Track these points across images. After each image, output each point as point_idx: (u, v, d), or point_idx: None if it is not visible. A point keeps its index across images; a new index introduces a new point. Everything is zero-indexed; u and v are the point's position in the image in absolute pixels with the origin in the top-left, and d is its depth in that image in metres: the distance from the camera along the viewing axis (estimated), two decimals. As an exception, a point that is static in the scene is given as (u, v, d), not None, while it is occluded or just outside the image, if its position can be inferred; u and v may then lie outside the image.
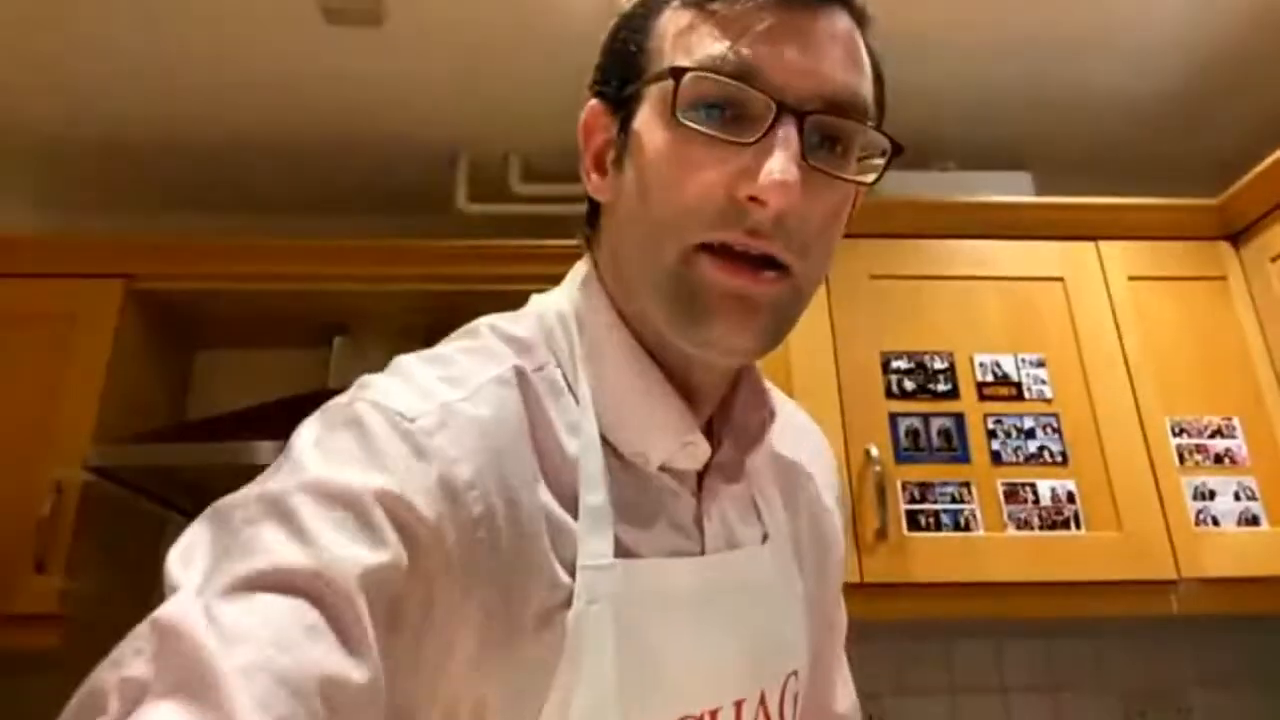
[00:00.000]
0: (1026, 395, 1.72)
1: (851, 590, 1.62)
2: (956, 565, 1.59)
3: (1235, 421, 1.72)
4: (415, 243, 1.93)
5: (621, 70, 0.53)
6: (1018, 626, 1.81)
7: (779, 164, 0.46)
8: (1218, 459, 1.69)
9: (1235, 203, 1.82)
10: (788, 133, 0.46)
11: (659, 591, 0.53)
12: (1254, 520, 1.64)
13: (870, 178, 0.52)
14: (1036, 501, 1.64)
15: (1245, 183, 1.79)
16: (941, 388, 1.73)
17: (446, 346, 0.54)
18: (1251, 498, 1.66)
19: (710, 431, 0.59)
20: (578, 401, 0.53)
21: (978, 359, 1.75)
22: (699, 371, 0.56)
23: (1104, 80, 1.91)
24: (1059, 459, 1.68)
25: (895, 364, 1.74)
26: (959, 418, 1.70)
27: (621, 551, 0.52)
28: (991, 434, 1.69)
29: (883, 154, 0.52)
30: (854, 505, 1.62)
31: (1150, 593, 1.59)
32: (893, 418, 1.70)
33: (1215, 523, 1.64)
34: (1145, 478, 1.66)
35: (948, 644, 1.85)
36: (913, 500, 1.64)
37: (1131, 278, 1.82)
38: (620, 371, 0.54)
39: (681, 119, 0.48)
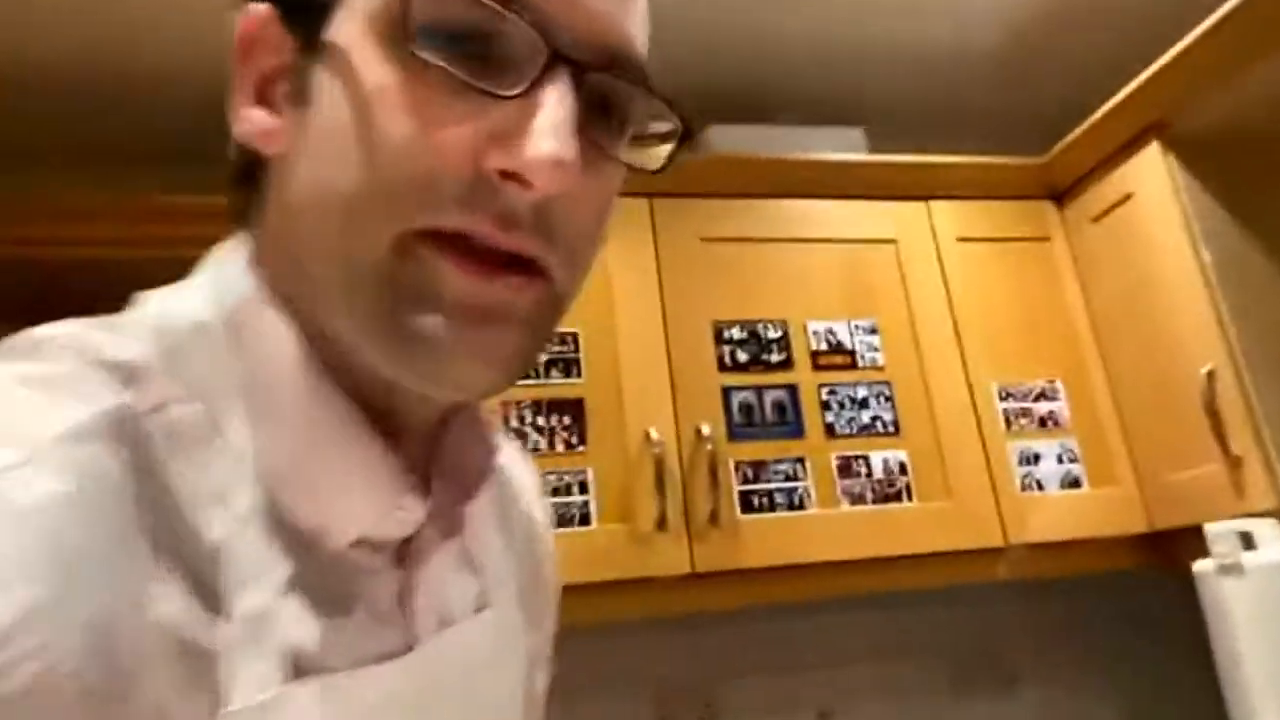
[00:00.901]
0: (860, 363, 1.65)
1: (683, 582, 1.53)
2: (790, 547, 1.50)
3: (1058, 384, 1.72)
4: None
5: None
6: (851, 601, 1.77)
7: (554, 133, 0.33)
8: (1041, 422, 1.69)
9: (1059, 162, 1.81)
10: (563, 90, 0.34)
11: (359, 717, 0.38)
12: (1075, 483, 1.65)
13: (655, 165, 0.41)
14: (869, 474, 1.58)
15: (1068, 142, 1.77)
16: (775, 358, 1.62)
17: None
18: (1073, 460, 1.67)
19: (418, 477, 0.42)
20: (224, 455, 0.36)
21: (811, 326, 1.66)
22: (408, 404, 0.41)
23: (935, 35, 1.84)
24: (891, 429, 1.62)
25: (728, 334, 1.62)
26: (793, 389, 1.61)
27: (301, 670, 0.36)
28: (825, 405, 1.61)
29: (663, 137, 0.40)
30: (685, 489, 1.49)
31: (979, 561, 1.57)
32: (726, 392, 1.58)
33: (1040, 487, 1.64)
34: (973, 445, 1.63)
35: (782, 624, 1.79)
36: (746, 480, 1.53)
37: (960, 239, 1.78)
38: (297, 410, 0.37)
39: (415, 49, 0.33)
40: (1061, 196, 1.84)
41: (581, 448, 1.49)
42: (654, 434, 1.49)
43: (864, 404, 1.62)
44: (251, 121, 0.38)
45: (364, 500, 0.38)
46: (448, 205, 0.34)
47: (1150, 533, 1.64)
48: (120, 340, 0.35)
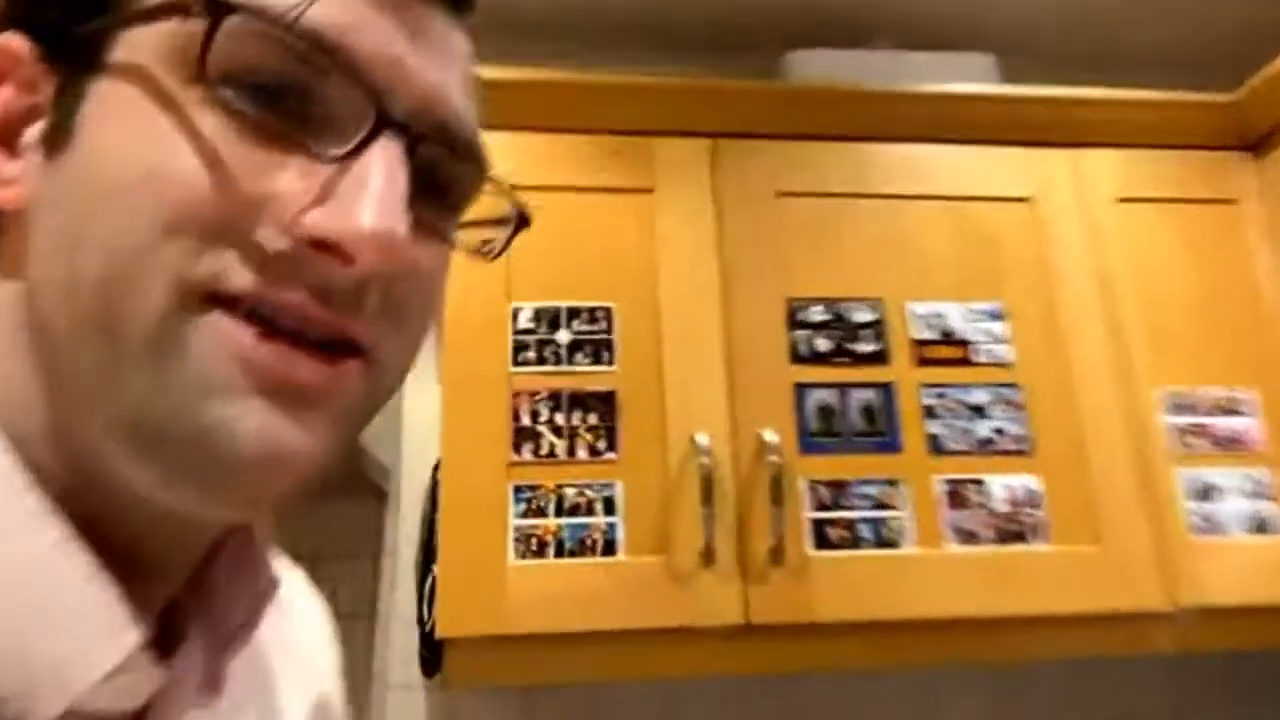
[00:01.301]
0: (977, 358, 1.27)
1: (734, 635, 1.19)
2: (876, 597, 1.14)
3: (1247, 394, 1.29)
4: None
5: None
6: (956, 672, 1.40)
7: (382, 204, 0.28)
8: (1223, 444, 1.27)
9: (1255, 101, 1.37)
10: (394, 157, 0.29)
11: None
12: (1264, 527, 1.23)
13: (492, 248, 0.36)
14: (987, 506, 1.20)
15: (1271, 74, 1.33)
16: (866, 348, 1.26)
17: None
18: (1264, 496, 1.25)
19: (166, 621, 0.34)
20: None
21: (914, 309, 1.28)
22: (165, 529, 0.32)
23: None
24: (1019, 446, 1.23)
25: (805, 315, 1.26)
26: (887, 390, 1.24)
27: None
28: (930, 412, 1.23)
29: (497, 222, 0.36)
30: (740, 513, 1.15)
31: (1133, 627, 1.18)
32: (799, 390, 1.22)
33: (1218, 531, 1.23)
34: (1130, 472, 1.23)
35: (861, 696, 1.43)
36: (822, 506, 1.18)
37: (1120, 199, 1.36)
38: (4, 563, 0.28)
39: (222, 92, 0.28)
40: (1257, 146, 1.40)
41: (610, 455, 1.16)
42: (702, 440, 1.15)
43: (982, 412, 1.24)
44: None
45: (79, 659, 0.29)
46: (247, 266, 0.28)
47: (1375, 600, 1.21)
48: None
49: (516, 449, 1.14)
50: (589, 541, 1.12)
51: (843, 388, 1.23)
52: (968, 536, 1.18)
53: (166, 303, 0.27)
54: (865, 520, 1.18)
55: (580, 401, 1.17)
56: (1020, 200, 1.35)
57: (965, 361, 1.26)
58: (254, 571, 0.37)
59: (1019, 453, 1.23)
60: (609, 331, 1.22)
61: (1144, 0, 1.55)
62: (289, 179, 0.29)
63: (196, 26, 0.28)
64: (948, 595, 1.15)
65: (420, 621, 1.29)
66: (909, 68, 1.44)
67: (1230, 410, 1.28)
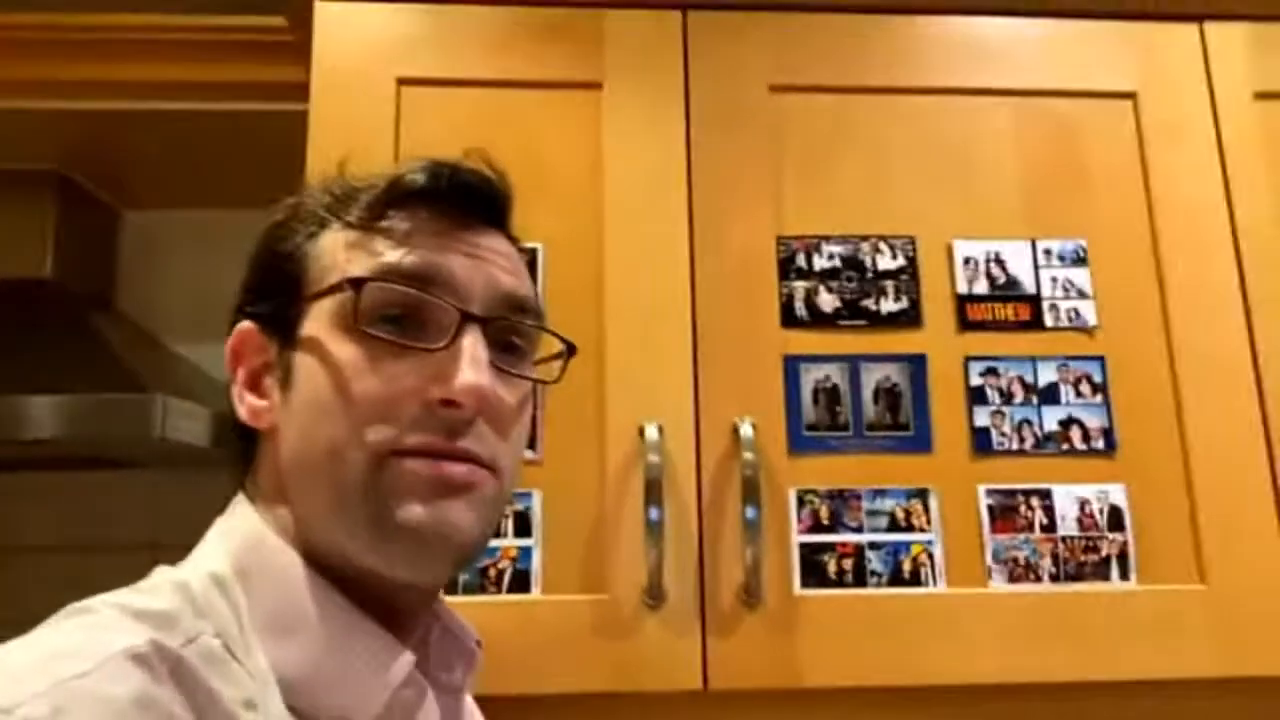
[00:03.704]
0: (1049, 321, 0.91)
1: (689, 704, 0.71)
2: (891, 655, 0.83)
3: None
4: None
5: (279, 290, 0.50)
6: None
7: (471, 368, 0.46)
8: (1393, 442, 0.91)
9: None
10: (474, 338, 0.47)
11: None
12: None
13: (551, 376, 0.54)
14: (1052, 527, 0.87)
15: None
16: (888, 306, 0.91)
17: (45, 628, 0.42)
18: None
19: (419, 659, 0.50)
20: (251, 675, 0.43)
21: (961, 249, 0.92)
22: (401, 596, 0.49)
23: None
24: (1100, 445, 0.89)
25: (803, 259, 0.91)
26: (917, 364, 0.90)
27: None
28: (977, 395, 0.89)
29: (558, 355, 0.55)
30: (702, 534, 0.84)
31: (1255, 697, 0.85)
32: (790, 364, 0.89)
33: (1381, 566, 0.88)
34: (1259, 484, 0.88)
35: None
36: (816, 525, 0.86)
37: (1259, 94, 0.97)
38: (306, 622, 0.46)
39: (366, 329, 0.46)
40: None
41: (527, 453, 0.85)
42: (653, 434, 0.83)
43: (1051, 396, 0.89)
44: (247, 406, 0.50)
45: (377, 683, 0.46)
46: (407, 430, 0.46)
47: None
48: (150, 598, 0.43)
49: (397, 444, 0.84)
50: (492, 573, 0.82)
51: (853, 361, 0.89)
52: (1021, 571, 0.85)
53: (365, 464, 0.45)
54: (876, 546, 0.85)
55: (489, 378, 0.86)
56: (1117, 96, 0.96)
57: (1031, 324, 0.91)
58: (462, 628, 0.55)
59: (1098, 453, 0.89)
60: (531, 280, 0.89)
61: None
62: (413, 371, 0.46)
63: (348, 296, 0.47)
64: (989, 653, 0.83)
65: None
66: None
67: (1406, 395, 0.91)
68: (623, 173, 0.92)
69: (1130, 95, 0.96)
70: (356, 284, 0.46)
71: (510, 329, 0.50)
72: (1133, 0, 0.98)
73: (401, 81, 0.92)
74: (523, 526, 0.84)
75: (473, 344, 0.46)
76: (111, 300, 1.41)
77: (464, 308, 0.47)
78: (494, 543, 0.83)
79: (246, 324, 0.51)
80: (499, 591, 0.82)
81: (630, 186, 0.91)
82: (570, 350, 0.54)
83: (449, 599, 0.81)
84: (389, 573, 0.46)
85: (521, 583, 0.82)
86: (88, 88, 1.15)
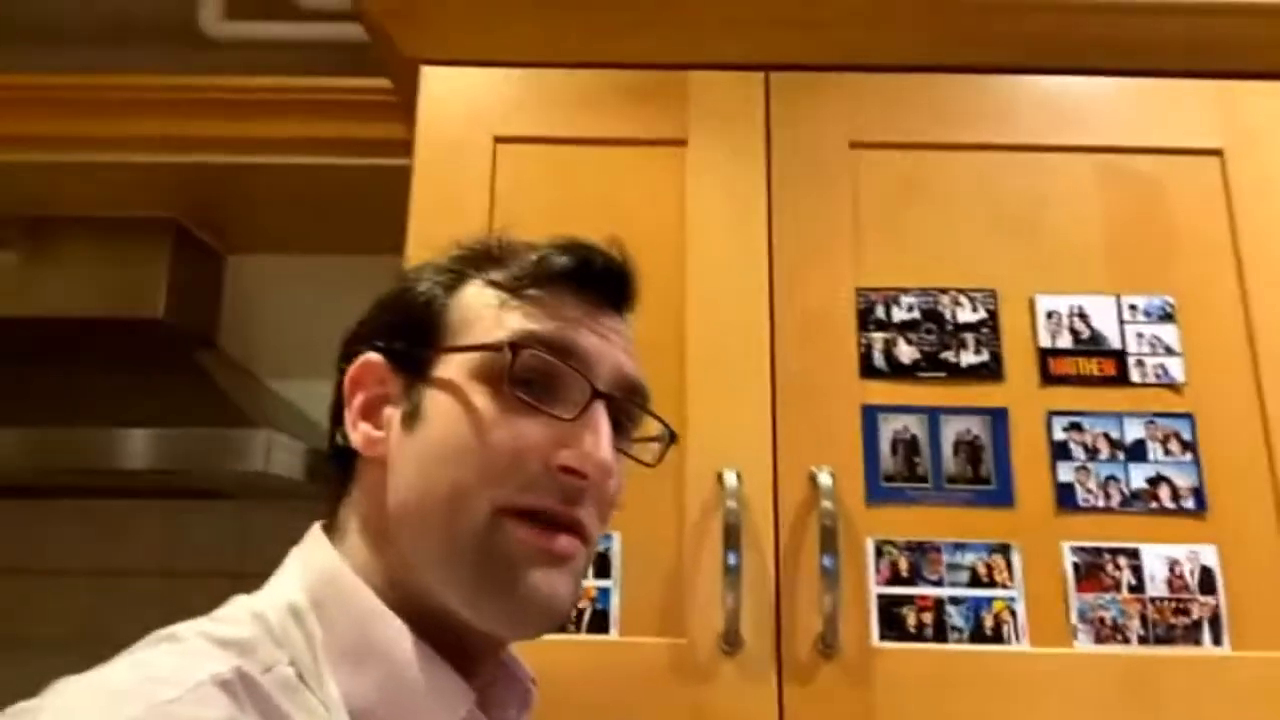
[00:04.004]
0: (1136, 377, 0.90)
1: None
2: (969, 712, 0.82)
3: None
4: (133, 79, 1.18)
5: (415, 332, 0.53)
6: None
7: (599, 442, 0.49)
8: None
9: None
10: (601, 413, 0.50)
11: None
12: None
13: (650, 459, 0.57)
14: (1140, 588, 0.85)
15: None
16: (969, 359, 0.91)
17: (137, 652, 0.45)
18: None
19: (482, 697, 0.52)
20: (324, 704, 0.46)
21: (1044, 304, 0.93)
22: (475, 639, 0.51)
23: None
24: (1191, 505, 0.87)
25: (882, 311, 0.93)
26: (999, 418, 0.89)
27: None
28: (1061, 451, 0.88)
29: (656, 437, 0.57)
30: (779, 582, 0.85)
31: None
32: (869, 415, 0.90)
33: None
34: (1364, 548, 0.85)
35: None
36: (894, 578, 0.86)
37: (1354, 152, 0.95)
38: (378, 655, 0.48)
39: (504, 389, 0.49)
40: None
41: (607, 495, 0.87)
42: (732, 480, 0.85)
43: (1138, 453, 0.88)
44: (362, 433, 0.52)
45: (446, 710, 0.48)
46: (524, 489, 0.48)
47: None
48: (232, 627, 0.46)
49: (485, 483, 0.87)
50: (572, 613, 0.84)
51: (933, 413, 0.90)
52: (1108, 632, 0.84)
53: (484, 518, 0.47)
54: (956, 601, 0.85)
55: (573, 421, 0.89)
56: (1206, 153, 0.96)
57: (1117, 380, 0.90)
58: (520, 665, 0.57)
59: (1189, 512, 0.87)
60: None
61: None
62: (543, 434, 0.49)
63: (499, 357, 0.49)
64: (1073, 716, 0.81)
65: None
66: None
67: None
68: (705, 225, 0.95)
69: (1217, 152, 0.95)
70: (515, 347, 0.49)
71: (625, 409, 0.52)
72: (1217, 58, 0.98)
73: (498, 140, 0.98)
74: (602, 568, 0.86)
75: (601, 419, 0.49)
76: (215, 339, 1.50)
77: (595, 384, 0.50)
78: (575, 582, 0.85)
79: (374, 355, 0.53)
80: (578, 631, 0.84)
81: (712, 239, 0.95)
82: (672, 437, 0.56)
83: (580, 637, 0.84)
84: (485, 627, 0.48)
85: (600, 623, 0.84)
86: (204, 143, 1.25)
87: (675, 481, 0.88)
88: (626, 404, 0.52)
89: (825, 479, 0.85)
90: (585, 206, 0.97)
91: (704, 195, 0.96)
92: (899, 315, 0.93)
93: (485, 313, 0.51)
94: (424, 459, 0.49)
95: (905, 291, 0.93)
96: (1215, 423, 0.89)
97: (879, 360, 0.91)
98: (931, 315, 0.93)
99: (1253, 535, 0.86)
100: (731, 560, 0.83)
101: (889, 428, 0.89)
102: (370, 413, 0.52)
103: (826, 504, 0.85)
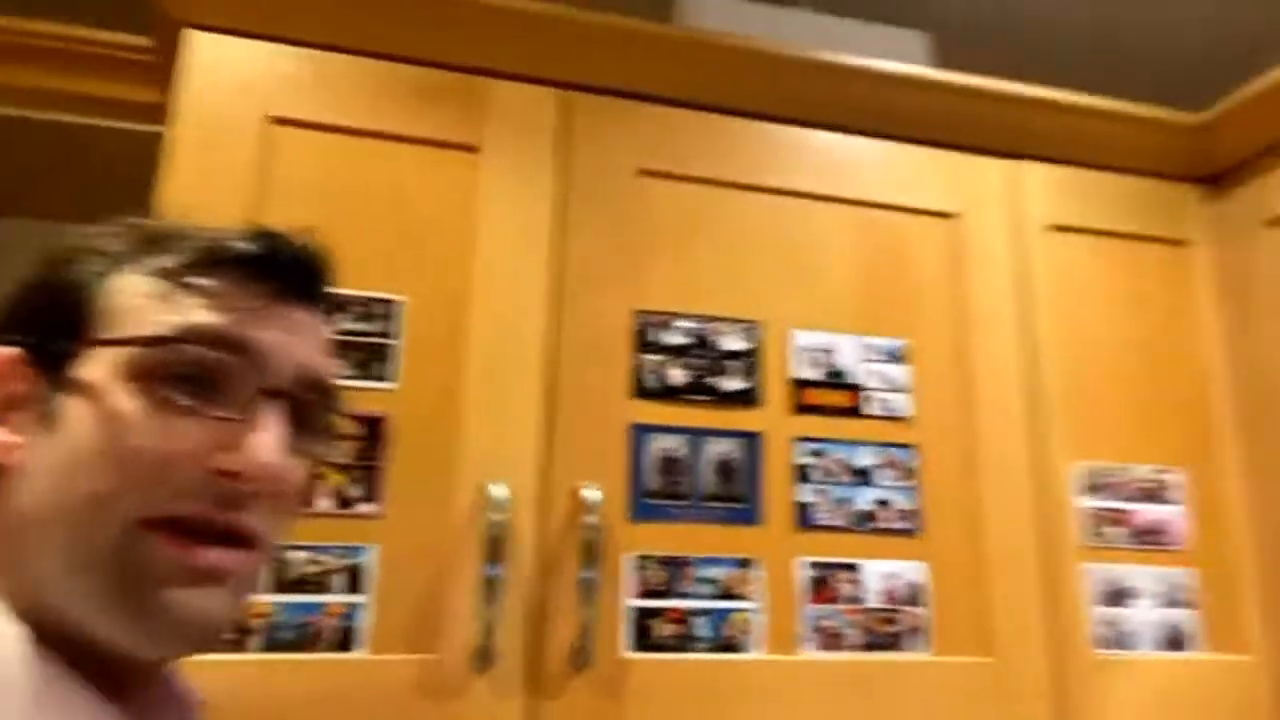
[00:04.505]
0: (868, 409, 1.00)
1: None
2: (715, 718, 0.87)
3: (1177, 476, 1.08)
4: None
5: (55, 321, 0.47)
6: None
7: (266, 444, 0.45)
8: (1143, 536, 1.05)
9: (1223, 126, 1.14)
10: (274, 413, 0.46)
11: None
12: (1180, 643, 1.03)
13: (339, 458, 0.62)
14: (860, 600, 0.94)
15: (1246, 96, 1.11)
16: (732, 385, 0.97)
17: None
18: (1180, 602, 1.04)
19: None
20: None
21: (800, 339, 1.01)
22: (124, 662, 0.46)
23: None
24: (907, 524, 0.98)
25: (658, 334, 0.97)
26: (752, 441, 0.96)
27: None
28: (803, 474, 0.96)
29: (350, 436, 0.63)
30: (537, 598, 0.86)
31: (1018, 763, 0.95)
32: (638, 433, 0.93)
33: (1126, 644, 1.01)
34: (1033, 563, 1.00)
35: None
36: (648, 590, 0.90)
37: (1054, 227, 1.12)
38: (24, 695, 0.42)
39: (157, 386, 0.44)
40: (1218, 180, 1.18)
41: (367, 506, 0.84)
42: (499, 493, 0.85)
43: (866, 477, 0.98)
44: None
45: None
46: (173, 498, 0.43)
47: (1291, 737, 1.02)
48: None
49: (230, 489, 0.81)
50: (315, 630, 0.80)
51: (696, 434, 0.95)
52: (830, 639, 0.92)
53: (120, 531, 0.43)
54: (704, 613, 0.90)
55: (336, 427, 0.85)
56: (942, 215, 1.09)
57: (854, 411, 1.00)
58: (178, 695, 0.52)
59: (905, 532, 0.98)
60: (389, 334, 0.89)
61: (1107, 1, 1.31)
62: (200, 437, 0.44)
63: (152, 352, 0.44)
64: (800, 717, 0.89)
65: None
66: (827, 35, 1.15)
67: (1154, 495, 1.07)
68: (493, 235, 0.94)
69: (952, 215, 1.09)
70: (158, 341, 0.44)
71: (309, 407, 0.48)
72: (960, 133, 1.11)
73: (275, 120, 0.91)
74: (354, 583, 0.82)
75: (270, 419, 0.45)
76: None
77: (268, 382, 0.46)
78: (317, 599, 0.81)
79: (13, 349, 0.46)
80: (320, 650, 0.80)
81: (499, 249, 0.94)
82: (359, 436, 0.56)
83: (282, 656, 0.79)
84: (126, 648, 0.44)
85: (345, 642, 0.81)
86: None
87: (442, 493, 0.86)
88: (312, 402, 0.48)
89: (592, 494, 0.88)
90: (367, 202, 0.93)
91: (494, 204, 0.95)
92: (673, 340, 0.97)
93: (143, 302, 0.46)
94: (59, 468, 0.44)
95: (680, 317, 0.98)
96: (934, 454, 1.01)
97: (651, 381, 0.95)
98: (702, 342, 0.98)
99: (957, 556, 0.98)
100: (491, 571, 0.83)
101: (655, 447, 0.93)
102: (6, 415, 0.46)
103: (591, 519, 0.87)
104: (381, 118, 0.95)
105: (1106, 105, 1.15)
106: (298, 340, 0.48)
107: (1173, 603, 1.04)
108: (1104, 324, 1.10)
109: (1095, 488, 1.05)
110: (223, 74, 0.91)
